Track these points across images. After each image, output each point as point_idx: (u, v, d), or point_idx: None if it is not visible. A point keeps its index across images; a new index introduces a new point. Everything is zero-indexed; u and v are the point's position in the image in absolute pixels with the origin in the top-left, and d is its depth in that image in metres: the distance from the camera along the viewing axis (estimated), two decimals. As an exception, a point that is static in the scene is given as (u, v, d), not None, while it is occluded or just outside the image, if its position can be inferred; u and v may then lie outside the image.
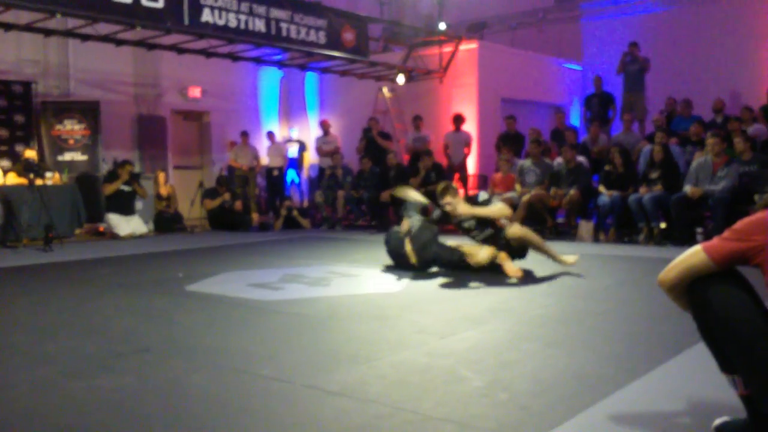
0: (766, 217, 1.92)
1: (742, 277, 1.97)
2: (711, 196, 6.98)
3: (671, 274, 2.01)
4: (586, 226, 7.90)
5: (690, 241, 7.14)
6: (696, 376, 2.64)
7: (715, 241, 1.97)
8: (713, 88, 10.01)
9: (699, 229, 7.33)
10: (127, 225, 9.01)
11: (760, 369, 1.88)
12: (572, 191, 8.04)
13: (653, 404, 2.38)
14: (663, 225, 7.42)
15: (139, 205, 9.45)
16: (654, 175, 7.61)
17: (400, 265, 5.56)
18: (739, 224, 1.96)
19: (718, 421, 2.13)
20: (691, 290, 2.00)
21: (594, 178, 8.59)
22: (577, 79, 12.70)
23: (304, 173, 12.79)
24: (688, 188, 7.17)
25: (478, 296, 4.52)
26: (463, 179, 10.51)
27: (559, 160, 8.61)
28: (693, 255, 1.98)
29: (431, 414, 2.27)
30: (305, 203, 11.84)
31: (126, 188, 9.12)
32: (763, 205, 2.14)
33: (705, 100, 9.50)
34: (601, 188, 8.00)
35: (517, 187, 8.68)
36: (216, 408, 2.39)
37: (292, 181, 12.51)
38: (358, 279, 5.26)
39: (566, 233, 8.35)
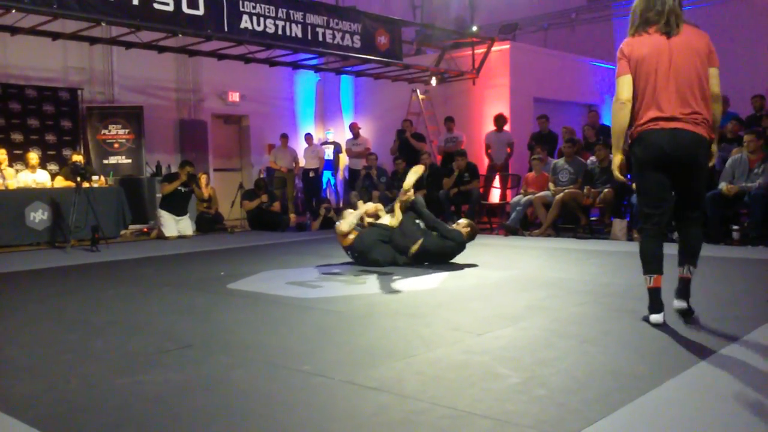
0: (624, 44, 3.48)
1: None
2: (747, 193, 6.90)
3: (625, 99, 3.47)
4: (620, 225, 7.84)
5: (725, 239, 7.04)
6: (732, 375, 2.62)
7: (617, 68, 3.45)
8: (748, 85, 9.79)
9: (734, 227, 7.20)
10: (175, 225, 9.02)
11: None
12: (606, 190, 7.99)
13: (690, 402, 2.36)
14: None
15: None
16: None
17: (361, 263, 5.98)
18: (621, 51, 3.45)
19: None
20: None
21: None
22: (610, 78, 12.52)
23: (340, 174, 12.91)
24: (723, 185, 7.08)
25: (513, 294, 4.52)
26: (505, 179, 10.49)
27: (592, 158, 8.54)
28: (620, 84, 3.46)
29: (468, 410, 2.28)
30: (340, 204, 11.95)
31: (183, 189, 9.11)
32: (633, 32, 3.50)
33: (739, 97, 9.30)
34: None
35: (551, 185, 8.65)
36: (257, 402, 2.43)
37: (328, 182, 12.65)
38: (393, 276, 5.29)
39: (600, 232, 8.31)
